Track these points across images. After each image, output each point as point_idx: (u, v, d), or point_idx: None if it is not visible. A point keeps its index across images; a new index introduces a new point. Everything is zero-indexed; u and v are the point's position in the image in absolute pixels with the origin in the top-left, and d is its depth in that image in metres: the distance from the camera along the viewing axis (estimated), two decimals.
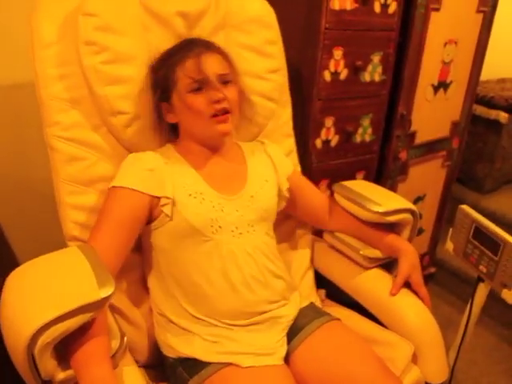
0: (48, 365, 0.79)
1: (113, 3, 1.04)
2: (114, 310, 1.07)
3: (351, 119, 1.58)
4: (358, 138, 1.63)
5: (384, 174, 1.77)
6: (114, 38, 1.02)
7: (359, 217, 1.21)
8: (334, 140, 1.58)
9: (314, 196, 1.29)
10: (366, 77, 1.54)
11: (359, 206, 1.19)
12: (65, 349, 0.83)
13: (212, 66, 1.01)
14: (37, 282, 0.83)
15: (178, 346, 1.02)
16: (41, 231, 1.53)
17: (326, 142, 1.56)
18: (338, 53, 1.44)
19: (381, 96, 1.61)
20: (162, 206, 0.99)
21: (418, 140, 1.79)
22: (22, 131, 1.52)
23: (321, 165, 1.58)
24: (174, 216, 1.00)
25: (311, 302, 1.18)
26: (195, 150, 1.08)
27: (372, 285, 1.21)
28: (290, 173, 1.21)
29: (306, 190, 1.27)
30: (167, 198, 0.99)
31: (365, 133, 1.64)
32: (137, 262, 1.11)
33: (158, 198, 0.99)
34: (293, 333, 1.07)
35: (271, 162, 1.18)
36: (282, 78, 1.29)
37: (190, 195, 1.01)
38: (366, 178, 1.72)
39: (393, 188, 1.80)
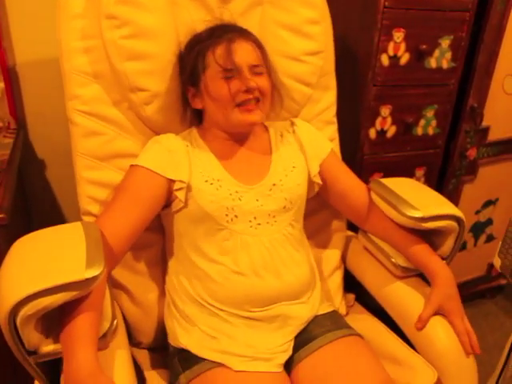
0: (31, 337, 0.79)
1: None
2: (122, 288, 1.07)
3: (412, 109, 1.43)
4: (419, 131, 1.48)
5: (448, 172, 1.60)
6: (137, 12, 0.98)
7: (394, 220, 1.08)
8: (391, 131, 1.44)
9: (352, 185, 1.15)
10: (432, 63, 1.38)
11: (394, 208, 1.06)
12: (56, 323, 0.83)
13: (244, 55, 0.96)
14: (31, 254, 0.84)
15: (178, 334, 0.98)
16: None
17: (382, 133, 1.43)
18: (398, 35, 1.30)
19: (449, 85, 1.44)
20: (176, 190, 0.96)
21: (492, 137, 1.59)
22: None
23: (374, 157, 1.46)
24: (189, 201, 0.96)
25: (333, 310, 1.07)
26: (218, 137, 1.03)
27: (403, 297, 1.08)
28: (324, 156, 1.11)
29: (343, 176, 1.15)
30: (182, 181, 0.95)
31: (428, 125, 1.48)
32: (154, 243, 1.09)
33: (173, 181, 0.96)
34: (303, 341, 0.98)
35: (300, 145, 1.09)
36: (322, 62, 1.17)
37: (207, 181, 0.97)
38: (427, 175, 1.57)
39: (457, 188, 1.63)
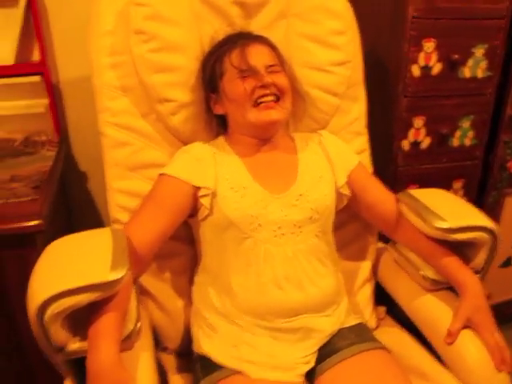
0: (59, 334, 0.82)
1: None
2: (149, 295, 1.10)
3: (446, 120, 1.41)
4: (455, 142, 1.44)
5: (488, 184, 1.54)
6: (163, 26, 1.02)
7: (422, 231, 1.05)
8: (425, 142, 1.42)
9: (381, 196, 1.13)
10: (466, 72, 1.35)
11: (421, 218, 1.03)
12: (84, 322, 0.86)
13: (259, 56, 0.99)
14: (61, 256, 0.89)
15: (201, 341, 1.00)
16: None
17: (415, 144, 1.41)
18: (428, 45, 1.29)
19: (485, 95, 1.41)
20: (202, 196, 0.98)
21: None
22: None
23: (408, 168, 1.44)
24: (214, 209, 0.98)
25: (360, 323, 1.05)
26: (244, 142, 1.04)
27: (432, 311, 1.04)
28: (351, 168, 1.09)
29: (372, 188, 1.12)
30: (207, 188, 0.97)
31: (464, 136, 1.45)
32: (181, 252, 1.11)
33: (199, 188, 0.98)
34: (326, 353, 0.97)
35: (326, 156, 1.08)
36: (349, 72, 1.17)
37: (232, 188, 0.98)
38: (465, 187, 1.52)
39: (498, 201, 1.57)
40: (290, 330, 0.96)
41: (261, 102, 0.97)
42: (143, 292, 1.08)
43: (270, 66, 0.99)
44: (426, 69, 1.32)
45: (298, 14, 1.14)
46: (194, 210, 1.01)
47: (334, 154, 1.08)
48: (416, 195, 1.09)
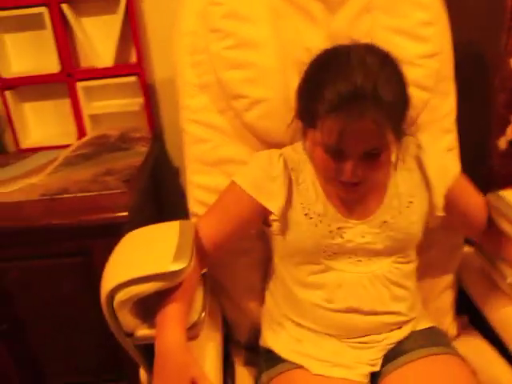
0: (128, 320, 0.87)
1: None
2: (222, 289, 1.12)
3: None
4: None
5: None
6: (239, 24, 1.03)
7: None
8: None
9: (474, 206, 1.04)
10: None
11: (510, 223, 0.95)
12: (152, 310, 0.90)
13: (360, 140, 0.79)
14: (133, 247, 0.94)
15: (267, 336, 1.01)
16: None
17: None
18: None
19: None
20: (272, 220, 0.95)
21: None
22: None
23: (505, 169, 1.31)
24: (286, 232, 0.94)
25: (433, 326, 1.00)
26: None
27: None
28: (450, 183, 0.97)
29: (467, 199, 1.02)
30: (274, 214, 0.93)
31: None
32: (254, 249, 1.11)
33: (270, 211, 0.94)
34: (393, 355, 0.93)
35: (423, 174, 0.96)
36: (438, 64, 1.09)
37: (306, 214, 0.92)
38: None
39: None
40: (358, 342, 0.94)
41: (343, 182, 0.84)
42: (216, 286, 1.11)
43: (368, 152, 0.80)
44: None
45: (382, 7, 1.09)
46: (265, 222, 0.98)
47: (434, 171, 0.95)
48: (507, 196, 1.00)
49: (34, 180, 1.37)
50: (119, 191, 1.27)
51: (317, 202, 0.92)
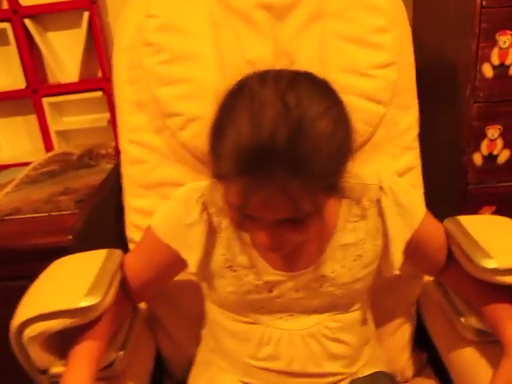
0: (39, 357, 0.82)
1: (179, 2, 0.99)
2: (157, 320, 1.06)
3: None
4: None
5: None
6: (174, 36, 0.97)
7: (467, 271, 0.85)
8: (503, 155, 1.19)
9: (437, 247, 0.88)
10: None
11: (465, 255, 0.84)
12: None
13: (268, 210, 0.62)
14: (51, 277, 0.89)
15: (192, 373, 0.94)
16: None
17: (490, 158, 1.19)
18: (504, 39, 1.06)
19: None
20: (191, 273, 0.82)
21: None
22: None
23: (482, 187, 1.22)
24: (209, 282, 0.83)
25: (377, 372, 0.88)
26: None
27: (472, 366, 0.85)
28: (413, 230, 0.82)
29: (429, 243, 0.87)
30: (191, 270, 0.81)
31: None
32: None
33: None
34: None
35: (383, 223, 0.80)
36: (395, 75, 1.00)
37: (230, 267, 0.79)
38: None
39: None
40: None
41: None
42: (152, 318, 1.05)
43: (289, 219, 0.63)
44: (501, 68, 1.10)
45: (334, 13, 1.00)
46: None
47: (395, 219, 0.80)
48: (466, 224, 0.89)
49: None
50: (68, 212, 1.22)
51: (242, 253, 0.79)
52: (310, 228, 0.66)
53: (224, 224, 0.80)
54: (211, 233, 0.80)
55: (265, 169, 0.56)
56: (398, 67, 1.00)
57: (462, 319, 0.87)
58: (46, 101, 1.52)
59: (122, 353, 0.87)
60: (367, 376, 0.86)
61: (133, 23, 1.02)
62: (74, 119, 1.58)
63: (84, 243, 1.15)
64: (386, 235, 0.81)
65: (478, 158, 1.18)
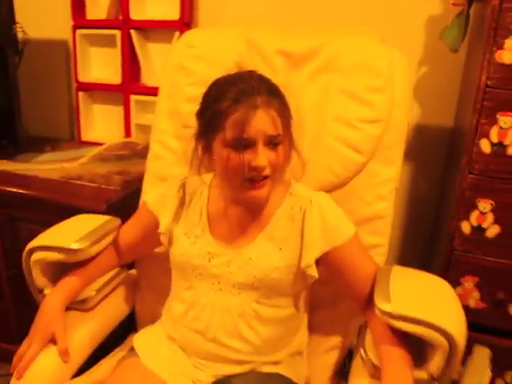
0: (38, 278, 1.11)
1: (214, 36, 1.23)
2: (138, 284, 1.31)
3: None
4: None
5: None
6: (204, 65, 1.20)
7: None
8: (493, 230, 1.22)
9: (362, 275, 1.00)
10: None
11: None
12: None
13: (263, 125, 0.89)
14: (70, 223, 1.21)
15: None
16: None
17: (479, 230, 1.23)
18: (505, 119, 1.13)
19: None
20: (160, 233, 1.06)
21: None
22: None
23: (466, 256, 1.26)
24: (170, 247, 1.07)
25: (278, 374, 1.02)
26: (223, 193, 1.04)
27: None
28: (332, 245, 0.96)
29: (354, 266, 1.00)
30: (160, 228, 1.06)
31: None
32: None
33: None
34: None
35: (301, 229, 0.98)
36: (379, 131, 1.11)
37: (186, 234, 1.03)
38: None
39: None
40: (197, 362, 1.03)
41: (252, 180, 0.92)
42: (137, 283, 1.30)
43: (273, 136, 0.90)
44: (499, 146, 1.15)
45: (340, 69, 1.15)
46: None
47: (313, 229, 0.96)
48: (394, 272, 0.99)
49: (67, 165, 1.69)
50: (114, 188, 1.51)
51: (198, 225, 1.03)
52: (281, 156, 0.93)
53: (194, 202, 1.06)
54: (181, 206, 1.07)
55: (255, 96, 0.90)
56: (384, 125, 1.13)
57: (362, 352, 0.97)
58: (133, 98, 1.85)
59: (94, 293, 1.14)
60: (267, 374, 1.01)
61: (179, 51, 1.28)
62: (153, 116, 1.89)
63: (114, 213, 1.43)
64: (302, 241, 0.97)
65: (466, 227, 1.23)
